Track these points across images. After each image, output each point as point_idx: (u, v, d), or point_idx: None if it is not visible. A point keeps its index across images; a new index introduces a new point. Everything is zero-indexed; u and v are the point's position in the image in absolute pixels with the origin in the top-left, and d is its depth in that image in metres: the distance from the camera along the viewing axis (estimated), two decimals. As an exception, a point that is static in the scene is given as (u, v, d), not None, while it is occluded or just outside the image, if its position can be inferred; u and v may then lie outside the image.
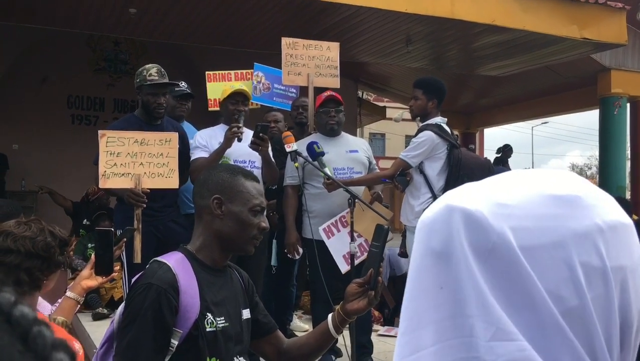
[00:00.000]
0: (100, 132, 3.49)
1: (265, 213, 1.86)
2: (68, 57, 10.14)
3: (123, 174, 3.45)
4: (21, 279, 1.67)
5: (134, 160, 3.47)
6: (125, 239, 2.62)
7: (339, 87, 4.54)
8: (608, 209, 0.59)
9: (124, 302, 1.87)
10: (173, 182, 3.57)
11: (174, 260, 1.74)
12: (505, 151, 10.34)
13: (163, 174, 3.52)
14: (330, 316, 1.81)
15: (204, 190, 1.82)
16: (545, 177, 0.61)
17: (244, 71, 4.73)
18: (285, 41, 4.58)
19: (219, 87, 4.59)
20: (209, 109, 4.67)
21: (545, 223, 0.56)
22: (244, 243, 1.80)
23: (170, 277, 1.68)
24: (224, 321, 1.75)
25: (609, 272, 0.56)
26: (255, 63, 4.76)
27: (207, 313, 1.71)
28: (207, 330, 1.70)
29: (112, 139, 3.45)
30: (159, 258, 1.76)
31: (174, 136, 3.63)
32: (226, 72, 4.70)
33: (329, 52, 4.68)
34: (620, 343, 0.57)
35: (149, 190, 3.46)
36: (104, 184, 3.45)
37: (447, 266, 0.57)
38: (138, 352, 1.62)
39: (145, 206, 3.44)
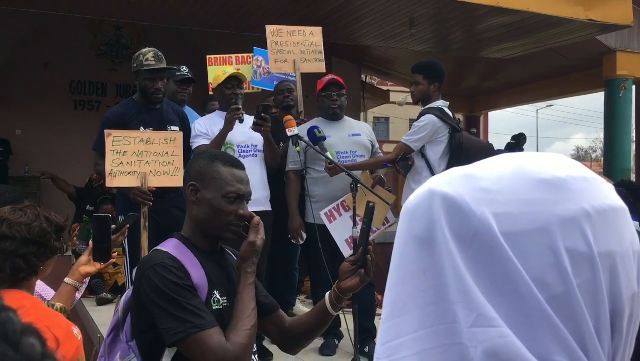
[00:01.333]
0: (106, 131, 3.55)
1: (247, 199, 1.85)
2: (69, 42, 10.10)
3: (129, 173, 3.51)
4: (17, 266, 1.67)
5: (139, 159, 3.53)
6: (127, 225, 2.61)
7: (324, 71, 4.54)
8: (597, 193, 0.57)
9: (126, 293, 1.88)
10: (178, 180, 3.63)
11: (171, 245, 1.78)
12: (520, 139, 10.79)
13: (168, 173, 3.58)
14: (327, 294, 1.87)
15: (186, 177, 1.88)
16: (534, 161, 0.59)
17: (245, 55, 4.71)
18: (269, 28, 4.59)
19: (219, 70, 4.58)
20: (210, 93, 4.65)
21: (529, 208, 0.55)
22: (220, 229, 1.80)
23: (176, 261, 1.71)
24: (226, 300, 1.77)
25: (597, 258, 0.54)
26: (254, 47, 4.73)
27: (215, 291, 1.75)
28: (214, 307, 1.73)
29: (117, 138, 3.51)
30: (158, 247, 1.79)
31: (179, 135, 3.68)
32: (227, 55, 4.67)
33: (312, 36, 4.70)
34: (612, 330, 0.56)
35: (154, 188, 3.49)
36: (110, 182, 3.51)
37: (429, 252, 0.56)
38: (194, 311, 1.62)
39: (151, 204, 3.47)
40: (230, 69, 4.07)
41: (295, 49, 4.59)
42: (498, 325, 0.52)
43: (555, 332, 0.53)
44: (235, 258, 1.96)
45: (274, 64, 4.55)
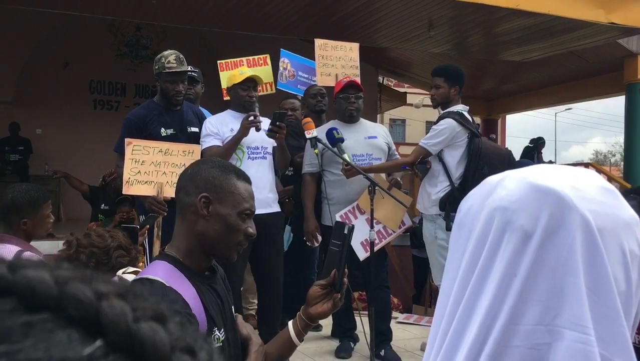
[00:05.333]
0: (126, 140, 3.57)
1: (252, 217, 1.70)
2: (90, 42, 10.22)
3: (146, 182, 3.53)
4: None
5: (157, 169, 3.55)
6: (148, 226, 2.64)
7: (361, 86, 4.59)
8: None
9: None
10: None
11: (163, 272, 1.55)
12: (538, 143, 11.00)
13: None
14: (290, 322, 1.69)
15: (190, 186, 1.63)
16: (575, 170, 0.64)
17: (256, 57, 4.70)
18: (318, 42, 4.77)
19: (236, 71, 4.59)
20: (225, 98, 4.66)
21: (606, 209, 0.60)
22: (228, 248, 1.63)
23: (179, 297, 1.49)
24: (223, 333, 1.62)
25: None
26: (281, 50, 4.78)
27: (214, 328, 1.58)
28: (214, 346, 1.58)
29: (137, 147, 3.54)
30: (151, 276, 1.54)
31: (197, 148, 3.69)
32: (238, 59, 4.67)
33: (351, 52, 4.90)
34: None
35: (170, 198, 3.50)
36: (127, 190, 3.54)
37: (541, 245, 0.59)
38: None
39: (165, 214, 3.48)
40: (246, 70, 4.08)
41: (337, 63, 4.79)
42: (585, 332, 0.56)
43: (621, 332, 0.57)
44: (219, 273, 1.80)
45: (320, 77, 4.71)
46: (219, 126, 3.85)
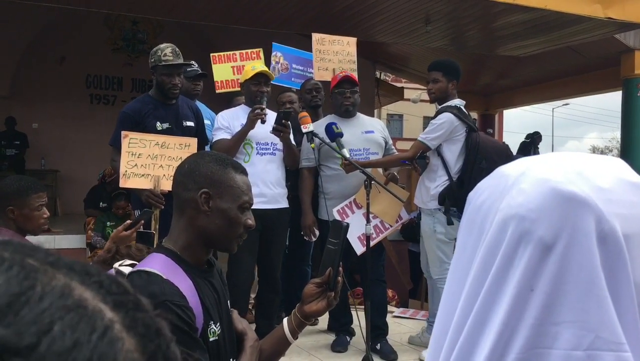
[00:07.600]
0: (123, 133, 3.57)
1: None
2: (86, 36, 10.18)
3: (143, 175, 3.54)
4: None
5: (154, 162, 3.56)
6: (143, 221, 2.64)
7: (356, 80, 4.58)
8: None
9: None
10: None
11: (161, 265, 1.55)
12: (535, 138, 10.78)
13: None
14: (285, 320, 1.71)
15: (189, 181, 1.62)
16: (601, 162, 0.59)
17: (249, 51, 4.69)
18: (315, 37, 4.76)
19: (224, 68, 4.60)
20: (217, 91, 4.64)
21: (634, 210, 0.54)
22: (229, 241, 1.64)
23: (176, 289, 1.49)
24: (219, 327, 1.62)
25: None
26: (273, 43, 4.74)
27: (210, 322, 1.58)
28: (210, 340, 1.58)
29: (134, 140, 3.55)
30: (146, 268, 1.54)
31: (193, 141, 3.70)
32: (231, 52, 4.66)
33: (349, 47, 4.90)
34: None
35: (167, 191, 3.49)
36: (124, 183, 3.54)
37: (560, 257, 0.53)
38: None
39: (162, 207, 3.48)
40: (259, 65, 4.10)
41: (334, 58, 4.79)
42: (625, 350, 0.51)
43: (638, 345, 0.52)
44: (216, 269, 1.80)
45: (317, 72, 4.71)
46: (230, 120, 3.93)
